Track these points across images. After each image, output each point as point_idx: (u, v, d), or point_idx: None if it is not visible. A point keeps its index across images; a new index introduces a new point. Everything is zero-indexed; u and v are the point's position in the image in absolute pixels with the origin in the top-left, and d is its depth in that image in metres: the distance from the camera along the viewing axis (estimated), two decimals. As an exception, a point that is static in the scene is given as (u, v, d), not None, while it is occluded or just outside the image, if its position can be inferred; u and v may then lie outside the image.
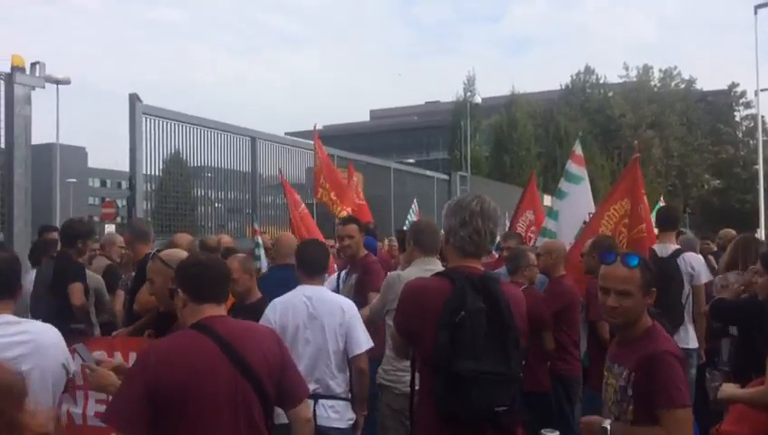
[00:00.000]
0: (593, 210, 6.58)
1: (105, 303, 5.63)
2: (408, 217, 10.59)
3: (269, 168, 9.57)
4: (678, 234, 6.23)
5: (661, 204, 12.14)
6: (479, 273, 2.53)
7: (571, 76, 49.58)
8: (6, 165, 6.06)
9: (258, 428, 2.46)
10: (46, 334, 2.63)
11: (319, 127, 9.01)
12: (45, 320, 5.02)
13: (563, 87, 49.37)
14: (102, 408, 4.14)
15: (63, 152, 31.15)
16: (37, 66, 6.19)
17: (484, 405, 2.36)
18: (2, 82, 5.98)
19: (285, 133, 13.75)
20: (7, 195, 5.97)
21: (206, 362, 2.36)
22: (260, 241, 7.31)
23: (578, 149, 7.15)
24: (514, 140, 39.48)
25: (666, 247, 5.51)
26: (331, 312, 3.74)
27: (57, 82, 22.24)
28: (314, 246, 4.17)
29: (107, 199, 37.17)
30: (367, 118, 70.99)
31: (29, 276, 5.84)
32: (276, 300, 3.80)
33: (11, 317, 2.51)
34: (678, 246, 5.61)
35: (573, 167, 6.96)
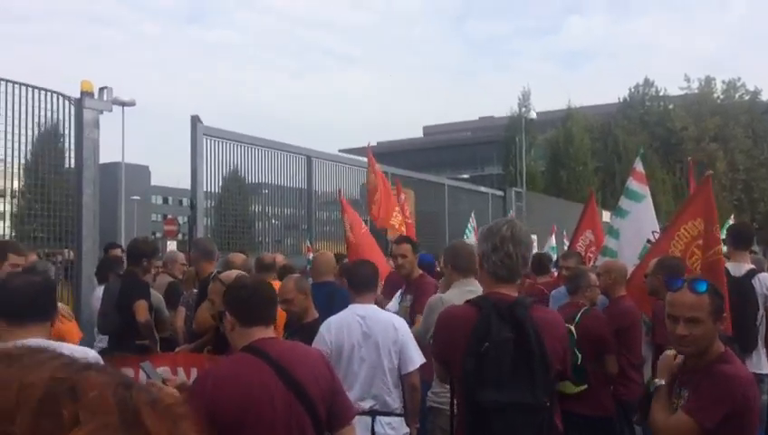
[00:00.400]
0: (657, 228, 6.36)
1: (165, 320, 5.77)
2: (466, 234, 10.50)
3: (324, 185, 9.70)
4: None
5: (731, 221, 11.69)
6: (509, 300, 2.54)
7: (630, 89, 48.48)
8: (75, 186, 6.33)
9: (311, 450, 2.48)
10: None
11: (372, 144, 9.07)
12: (112, 336, 5.23)
13: (621, 100, 48.31)
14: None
15: (128, 171, 32.37)
16: (105, 91, 6.47)
17: None
18: (72, 106, 6.27)
19: (339, 150, 13.96)
20: (76, 215, 6.22)
21: (263, 387, 2.40)
22: (310, 257, 7.41)
23: (639, 166, 6.95)
24: (571, 155, 38.81)
25: (739, 267, 5.24)
26: (385, 330, 3.83)
27: (123, 104, 23.13)
28: (363, 265, 4.27)
29: (169, 216, 38.32)
30: (420, 134, 71.15)
31: (96, 293, 6.07)
32: (330, 319, 3.87)
33: (43, 341, 2.35)
34: (753, 266, 5.35)
35: (634, 184, 6.75)
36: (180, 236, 25.38)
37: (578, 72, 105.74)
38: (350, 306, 3.93)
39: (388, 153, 42.09)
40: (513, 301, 2.55)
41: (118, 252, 7.10)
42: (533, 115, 37.06)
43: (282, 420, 2.40)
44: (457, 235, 11.71)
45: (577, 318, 4.43)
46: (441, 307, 3.49)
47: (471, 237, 9.84)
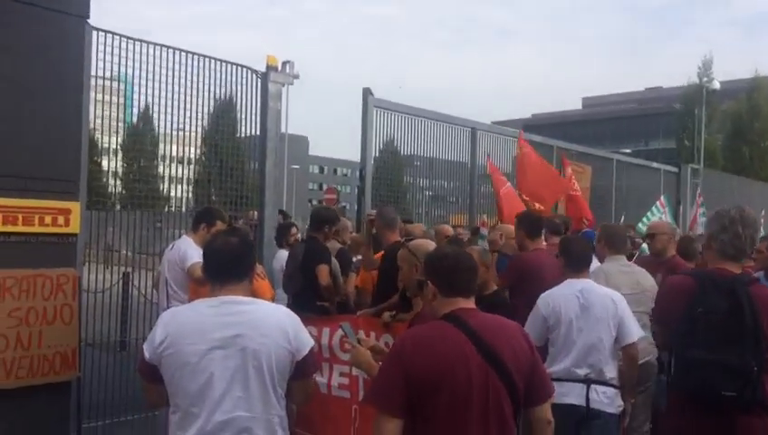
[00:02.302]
0: None
1: (339, 285, 6.01)
2: (651, 213, 9.90)
3: (484, 157, 9.59)
4: None
5: None
6: (729, 275, 2.84)
7: (827, 56, 42.67)
8: (253, 154, 6.74)
9: (507, 422, 2.46)
10: (268, 317, 2.55)
11: (527, 115, 8.93)
12: (295, 296, 5.55)
13: (816, 68, 42.75)
14: (345, 380, 4.48)
15: (290, 141, 34.19)
16: (287, 65, 6.78)
17: (710, 389, 2.73)
18: (258, 79, 6.63)
19: (492, 122, 13.74)
20: (260, 181, 6.63)
21: (459, 355, 2.40)
22: (484, 232, 7.39)
23: None
24: (756, 130, 35.07)
25: None
26: (603, 304, 3.97)
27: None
28: (578, 242, 4.39)
29: (328, 186, 40.09)
30: (579, 106, 67.98)
31: (278, 255, 6.48)
32: (547, 293, 4.09)
33: (235, 298, 2.52)
34: None
35: None
36: (337, 205, 26.38)
37: (764, 38, 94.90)
38: (567, 281, 4.12)
39: (544, 125, 40.74)
40: (733, 277, 2.83)
41: (280, 219, 7.47)
42: (716, 85, 33.28)
43: (478, 390, 2.40)
44: (624, 212, 11.11)
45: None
46: (602, 275, 4.51)
47: (656, 217, 9.27)
